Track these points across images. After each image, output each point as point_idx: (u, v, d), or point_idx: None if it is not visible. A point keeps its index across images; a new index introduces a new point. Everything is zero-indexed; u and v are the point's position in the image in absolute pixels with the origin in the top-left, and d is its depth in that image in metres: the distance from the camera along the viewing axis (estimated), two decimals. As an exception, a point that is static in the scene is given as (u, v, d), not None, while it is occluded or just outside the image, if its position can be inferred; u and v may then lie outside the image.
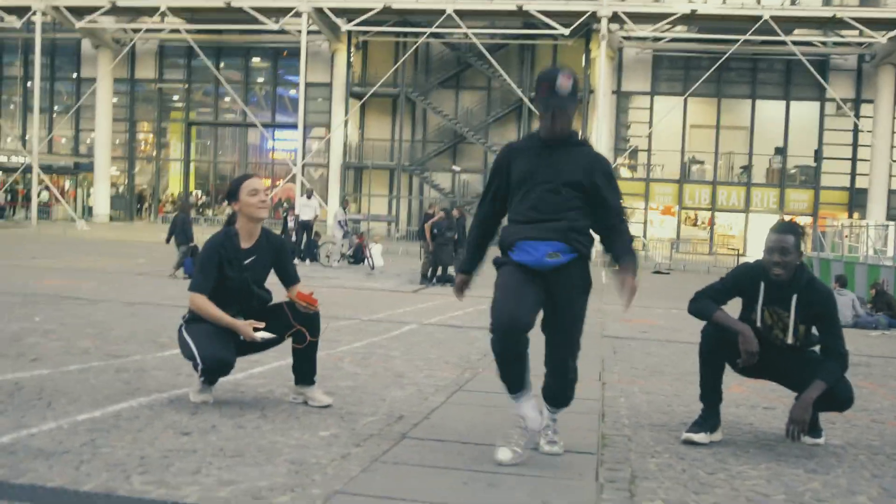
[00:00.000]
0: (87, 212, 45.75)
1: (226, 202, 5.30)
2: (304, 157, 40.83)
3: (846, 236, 30.57)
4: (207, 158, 48.75)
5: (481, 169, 43.65)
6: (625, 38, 40.55)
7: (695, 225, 43.46)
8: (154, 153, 48.60)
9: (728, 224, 43.03)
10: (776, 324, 4.91)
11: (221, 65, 45.33)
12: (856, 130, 40.55)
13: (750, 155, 42.22)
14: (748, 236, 41.91)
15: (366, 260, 22.42)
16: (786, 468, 4.39)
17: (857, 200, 40.59)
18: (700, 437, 4.81)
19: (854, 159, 41.26)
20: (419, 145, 44.29)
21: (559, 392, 4.39)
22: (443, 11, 37.91)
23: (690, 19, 38.47)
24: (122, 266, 19.38)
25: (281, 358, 6.55)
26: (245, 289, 5.13)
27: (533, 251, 4.18)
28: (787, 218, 5.75)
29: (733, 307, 4.95)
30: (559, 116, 4.20)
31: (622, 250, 4.28)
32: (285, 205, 39.76)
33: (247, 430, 4.49)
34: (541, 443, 4.40)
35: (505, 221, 4.49)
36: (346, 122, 42.94)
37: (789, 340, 4.88)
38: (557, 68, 4.24)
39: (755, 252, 40.36)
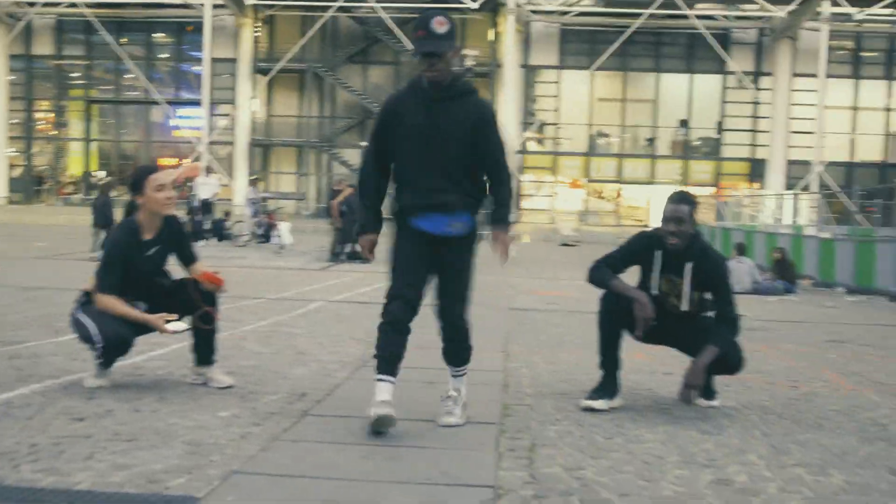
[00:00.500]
0: (-17, 194, 44.15)
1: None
2: (209, 135, 40.07)
3: (746, 206, 31.46)
4: (110, 137, 47.39)
5: (391, 144, 43.47)
6: (532, 11, 40.77)
7: (601, 197, 44.15)
8: (54, 132, 47.07)
9: (633, 196, 43.84)
10: (672, 291, 5.02)
11: (123, 40, 44.02)
12: (755, 102, 41.63)
13: (655, 127, 43.02)
14: (652, 207, 42.78)
15: (274, 238, 22.17)
16: (680, 430, 4.51)
17: (757, 170, 41.76)
18: (599, 403, 4.91)
19: (754, 130, 42.39)
20: (327, 122, 43.88)
21: (454, 342, 4.48)
22: (352, -15, 37.52)
23: (596, -7, 38.95)
24: (21, 250, 18.78)
25: (181, 340, 6.45)
26: (150, 279, 5.04)
27: (437, 222, 4.28)
28: (683, 188, 5.86)
29: (632, 276, 5.05)
30: (436, 62, 4.15)
31: (496, 205, 4.39)
32: (189, 184, 39.02)
33: (143, 414, 4.40)
34: (439, 415, 4.44)
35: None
36: (252, 99, 42.26)
37: (684, 307, 5.00)
38: (431, 12, 4.19)
39: (659, 223, 41.27)
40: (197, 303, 5.03)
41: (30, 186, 46.20)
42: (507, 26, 38.31)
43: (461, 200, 4.29)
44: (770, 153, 40.85)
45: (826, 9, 36.68)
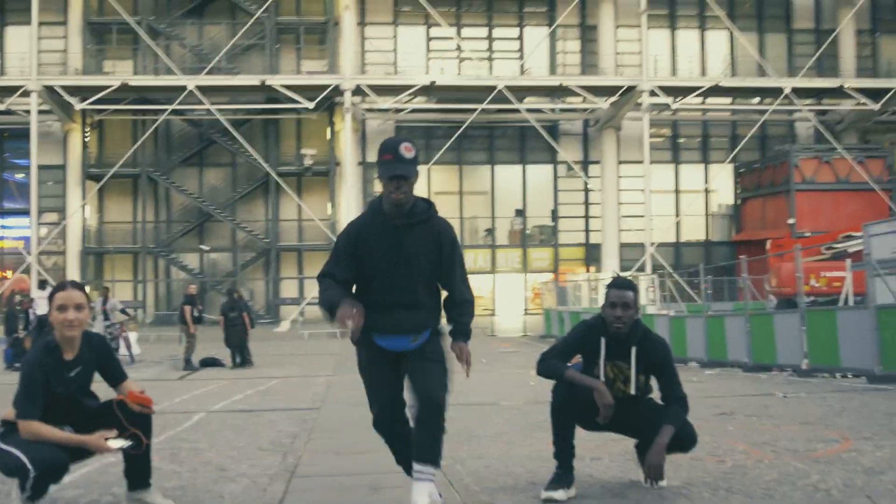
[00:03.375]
0: None
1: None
2: (38, 245, 38.24)
3: (589, 289, 32.49)
4: (-77, 253, 44.45)
5: (230, 246, 42.80)
6: (367, 110, 41.46)
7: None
8: None
9: (477, 286, 44.55)
10: (618, 376, 5.09)
11: (-64, 150, 41.75)
12: (586, 190, 43.49)
13: (493, 218, 44.15)
14: (497, 296, 43.64)
15: (123, 350, 21.15)
16: (650, 515, 4.52)
17: (592, 255, 43.39)
18: (559, 493, 4.87)
19: (587, 216, 44.17)
20: (164, 226, 42.73)
21: (427, 422, 4.33)
22: (184, 88, 37.11)
23: (430, 90, 40.02)
24: None
25: (87, 463, 6.00)
26: (73, 402, 4.69)
27: (399, 341, 4.45)
28: (621, 274, 6.00)
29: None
30: (403, 185, 4.31)
31: (459, 320, 4.58)
32: (18, 297, 36.91)
33: (92, 548, 4.03)
34: None
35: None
36: (83, 206, 40.74)
37: (632, 391, 5.07)
38: (398, 138, 4.41)
39: (505, 311, 42.10)
40: (124, 425, 4.70)
41: None
42: (344, 125, 38.75)
43: (426, 319, 4.47)
44: (603, 237, 42.59)
45: (645, 100, 39.04)
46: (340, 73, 38.88)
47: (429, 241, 4.42)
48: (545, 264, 44.06)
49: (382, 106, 40.41)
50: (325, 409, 10.30)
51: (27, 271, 37.31)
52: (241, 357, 18.80)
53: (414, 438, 4.39)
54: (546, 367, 5.04)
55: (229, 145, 40.93)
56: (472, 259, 43.85)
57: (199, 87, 37.20)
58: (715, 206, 45.18)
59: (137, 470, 4.81)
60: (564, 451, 5.01)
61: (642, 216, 40.01)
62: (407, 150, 4.30)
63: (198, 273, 41.72)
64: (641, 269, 37.91)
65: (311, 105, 37.64)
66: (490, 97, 38.50)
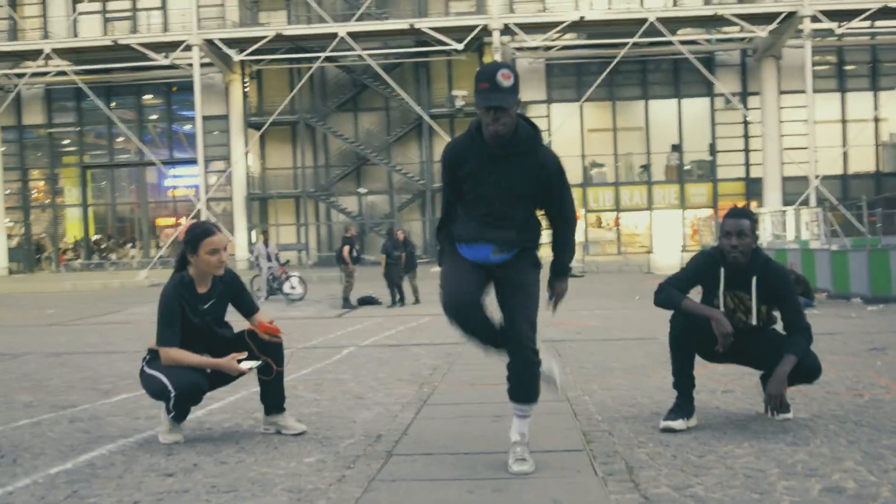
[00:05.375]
0: (-17, 266, 44.09)
1: (183, 250, 5.09)
2: (206, 192, 40.18)
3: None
4: (105, 201, 47.49)
5: (387, 189, 43.69)
6: (517, 49, 41.14)
7: (600, 227, 44.25)
8: (49, 200, 47.13)
9: (633, 223, 43.96)
10: (738, 307, 5.03)
11: (112, 104, 44.27)
12: (745, 122, 41.94)
13: (648, 154, 43.26)
14: (653, 233, 42.92)
15: (287, 290, 22.09)
16: (768, 444, 4.50)
17: (753, 190, 41.93)
18: (678, 423, 4.89)
19: (747, 150, 42.65)
20: (322, 170, 44.06)
21: (522, 373, 4.19)
22: (335, 35, 37.89)
23: (579, 26, 39.30)
24: (33, 318, 18.70)
25: (235, 392, 6.44)
26: (208, 332, 5.04)
27: (479, 250, 4.23)
28: (740, 205, 5.87)
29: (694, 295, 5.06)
30: (501, 116, 4.00)
31: (559, 255, 4.43)
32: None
33: (231, 465, 4.37)
34: (509, 462, 4.14)
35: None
36: (246, 154, 42.46)
37: (753, 322, 5.00)
38: (496, 64, 4.06)
39: (662, 248, 41.39)
40: (255, 354, 5.02)
41: (29, 255, 46.18)
42: (495, 64, 38.59)
43: (516, 238, 4.25)
44: (764, 171, 41.07)
45: (807, 26, 37.09)
46: (488, 13, 38.69)
47: (531, 174, 4.14)
48: (703, 200, 42.95)
49: (532, 44, 40.02)
50: (470, 345, 10.53)
51: (197, 217, 39.28)
52: (400, 296, 19.35)
53: (509, 376, 4.25)
54: (663, 296, 5.01)
55: (382, 90, 41.60)
56: (629, 196, 43.26)
57: (351, 34, 37.88)
58: (886, 135, 42.69)
59: (271, 395, 5.13)
60: (683, 381, 5.01)
61: (806, 148, 38.29)
62: (505, 78, 3.95)
63: (356, 215, 42.87)
64: (805, 202, 36.39)
65: (460, 46, 37.71)
66: (641, 30, 37.49)
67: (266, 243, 22.34)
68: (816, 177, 37.45)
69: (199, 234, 5.01)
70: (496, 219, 4.19)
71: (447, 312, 4.19)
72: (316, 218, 44.57)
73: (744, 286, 5.00)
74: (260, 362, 4.99)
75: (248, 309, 5.17)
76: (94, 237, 47.29)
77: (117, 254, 46.34)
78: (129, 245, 46.83)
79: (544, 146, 4.27)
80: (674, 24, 38.76)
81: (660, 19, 37.45)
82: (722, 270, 5.01)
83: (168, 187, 46.20)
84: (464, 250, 4.27)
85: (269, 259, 22.09)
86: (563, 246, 4.41)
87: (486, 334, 4.22)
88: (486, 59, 40.58)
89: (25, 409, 6.52)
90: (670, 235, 42.69)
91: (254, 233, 42.53)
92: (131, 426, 5.57)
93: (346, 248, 19.98)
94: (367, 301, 19.73)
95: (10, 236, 45.57)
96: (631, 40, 37.86)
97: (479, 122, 4.12)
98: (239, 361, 4.91)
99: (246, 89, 43.20)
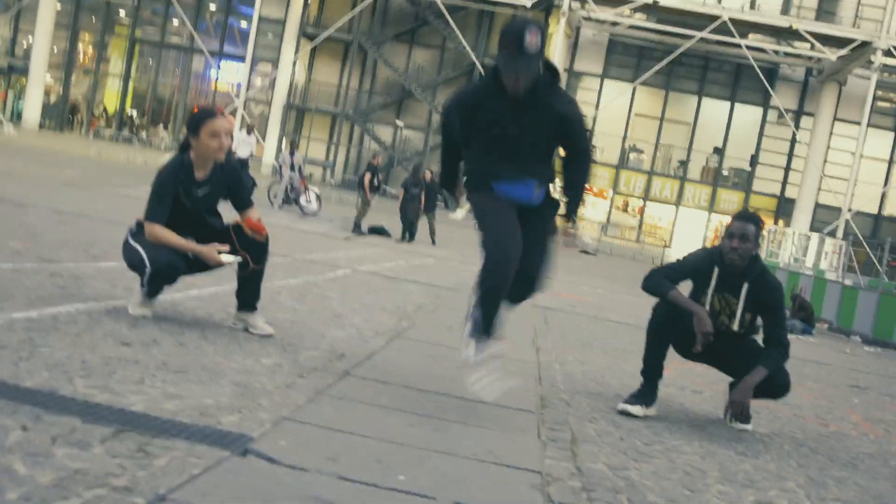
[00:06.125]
0: (16, 116, 44.30)
1: (184, 130, 5.08)
2: (247, 92, 40.08)
3: (772, 242, 31.30)
4: (148, 79, 47.50)
5: (424, 127, 43.49)
6: (584, 18, 40.59)
7: (625, 211, 44.01)
8: (93, 66, 47.15)
9: (658, 215, 43.69)
10: (724, 310, 4.99)
11: (175, -16, 44.08)
12: (793, 141, 41.42)
13: (689, 150, 42.84)
14: (676, 229, 42.67)
15: (304, 203, 22.13)
16: (718, 448, 4.48)
17: (784, 209, 41.56)
18: (636, 409, 4.87)
19: (787, 168, 42.18)
20: (365, 95, 43.86)
21: (526, 291, 4.38)
22: (408, -37, 37.47)
23: (651, 9, 38.74)
24: (50, 175, 18.83)
25: (217, 284, 6.46)
26: (198, 218, 5.03)
27: (517, 188, 4.24)
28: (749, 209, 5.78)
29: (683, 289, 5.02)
30: (524, 77, 4.01)
31: (572, 197, 4.46)
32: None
33: (188, 349, 4.39)
34: (477, 378, 4.23)
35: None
36: (294, 62, 42.26)
37: (735, 327, 4.97)
38: (524, 23, 3.99)
39: (680, 245, 41.15)
40: (236, 246, 5.01)
41: (63, 115, 46.35)
42: (558, 29, 38.13)
43: (539, 177, 4.32)
44: (800, 193, 40.66)
45: (878, 58, 36.40)
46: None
47: (547, 121, 4.15)
48: (733, 207, 42.50)
49: (600, 16, 39.47)
50: (462, 292, 10.54)
51: (234, 114, 39.26)
52: (410, 233, 19.34)
53: (513, 290, 4.26)
54: (653, 283, 4.98)
55: (442, 28, 41.23)
56: (660, 187, 42.94)
57: (423, -35, 37.41)
58: (929, 182, 42.15)
59: (246, 292, 5.13)
60: (652, 369, 4.98)
61: (846, 179, 37.82)
62: (532, 42, 3.90)
63: (388, 146, 42.73)
64: (833, 233, 36.04)
65: (528, 3, 37.24)
66: (712, 26, 36.90)
67: (292, 153, 22.33)
68: (850, 210, 37.04)
69: (201, 116, 4.98)
70: (517, 161, 4.21)
71: (494, 268, 4.07)
72: (349, 140, 44.48)
73: (734, 290, 4.95)
74: (240, 259, 4.98)
75: (242, 203, 5.15)
76: (130, 111, 47.37)
77: (148, 132, 46.42)
78: (162, 126, 46.91)
79: (562, 91, 4.30)
80: (746, 27, 38.14)
81: (733, 20, 36.84)
82: (716, 270, 4.96)
83: (212, 79, 46.11)
84: (503, 187, 4.23)
85: (291, 168, 22.10)
86: (578, 183, 4.43)
87: (498, 310, 4.21)
88: (552, 21, 40.06)
89: (12, 255, 6.58)
90: (692, 235, 42.44)
91: (284, 140, 42.53)
92: (107, 292, 5.60)
93: (368, 175, 19.95)
94: (377, 231, 19.75)
95: (47, 93, 45.70)
96: (699, 34, 37.29)
97: (495, 75, 4.13)
98: (220, 253, 4.91)
99: (308, -1, 42.88)
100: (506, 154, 4.21)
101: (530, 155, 4.23)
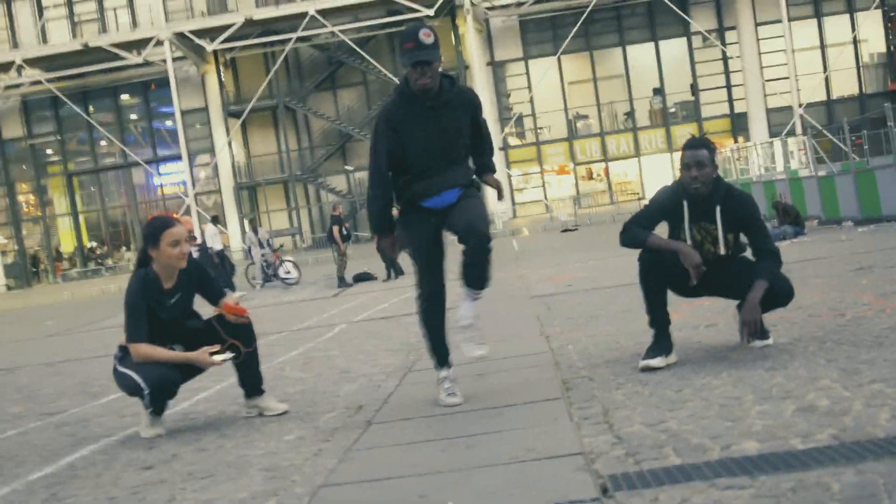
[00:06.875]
0: (-20, 285, 44.05)
1: (144, 245, 5.02)
2: (194, 187, 40.04)
3: (737, 160, 31.45)
4: (95, 207, 47.36)
5: (374, 164, 43.40)
6: (489, 9, 40.84)
7: (591, 179, 44.13)
8: (39, 212, 46.98)
9: (623, 171, 43.83)
10: (706, 238, 4.99)
11: (91, 109, 44.04)
12: (725, 58, 41.70)
13: (630, 101, 43.05)
14: (644, 179, 42.80)
15: (283, 275, 22.05)
16: (746, 372, 4.48)
17: (739, 125, 41.80)
18: (656, 361, 4.86)
19: (729, 86, 42.43)
20: (307, 152, 43.90)
21: (479, 260, 4.58)
22: (305, 14, 37.60)
23: (548, -22, 39.00)
24: (32, 332, 18.69)
25: (223, 380, 6.42)
26: (177, 325, 5.00)
27: (449, 195, 4.70)
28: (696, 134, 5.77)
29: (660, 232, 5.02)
30: (427, 70, 4.47)
31: (484, 159, 4.96)
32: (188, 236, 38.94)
33: (210, 452, 4.36)
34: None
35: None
36: (229, 143, 42.26)
37: (721, 251, 4.97)
38: (416, 24, 4.60)
39: (654, 193, 41.28)
40: (224, 337, 4.98)
41: (26, 270, 46.09)
42: (467, 27, 38.34)
43: (464, 177, 4.78)
44: (748, 105, 40.91)
45: (777, -48, 36.81)
46: (456, -25, 38.40)
47: (463, 115, 4.67)
48: (690, 140, 42.72)
49: (503, 2, 39.70)
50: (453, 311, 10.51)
51: (188, 213, 39.17)
52: (394, 270, 19.29)
53: (465, 266, 4.62)
54: (629, 236, 4.97)
55: (358, 64, 41.36)
56: (616, 145, 43.10)
57: (320, 11, 37.64)
58: (866, 56, 42.45)
59: (248, 378, 5.10)
60: (658, 318, 4.97)
61: (787, 77, 38.11)
62: (426, 36, 4.46)
63: (346, 194, 42.73)
64: (791, 132, 36.27)
65: (431, 12, 37.44)
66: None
67: (255, 231, 22.28)
68: (800, 105, 37.35)
69: (158, 226, 4.94)
70: (449, 162, 4.68)
71: (428, 305, 4.78)
72: (306, 201, 44.46)
73: (709, 217, 4.95)
74: (233, 354, 4.94)
75: (214, 295, 5.12)
76: (89, 244, 47.20)
77: (113, 258, 46.26)
78: (124, 248, 46.74)
79: (462, 87, 4.83)
80: (643, -35, 38.44)
81: (628, -37, 37.14)
82: (685, 203, 4.97)
83: (156, 186, 46.05)
84: (428, 203, 4.70)
85: (261, 246, 22.04)
86: (485, 149, 4.94)
87: (441, 341, 4.83)
88: (460, 22, 40.28)
89: (14, 420, 6.50)
90: (661, 180, 42.45)
91: (246, 222, 42.46)
92: (116, 425, 5.55)
93: (336, 228, 19.93)
94: (362, 278, 19.68)
95: (3, 253, 45.50)
96: (602, -12, 37.57)
97: (405, 82, 4.61)
98: (212, 354, 4.87)
99: (222, 79, 42.91)
100: (432, 163, 4.62)
101: (456, 154, 4.70)
